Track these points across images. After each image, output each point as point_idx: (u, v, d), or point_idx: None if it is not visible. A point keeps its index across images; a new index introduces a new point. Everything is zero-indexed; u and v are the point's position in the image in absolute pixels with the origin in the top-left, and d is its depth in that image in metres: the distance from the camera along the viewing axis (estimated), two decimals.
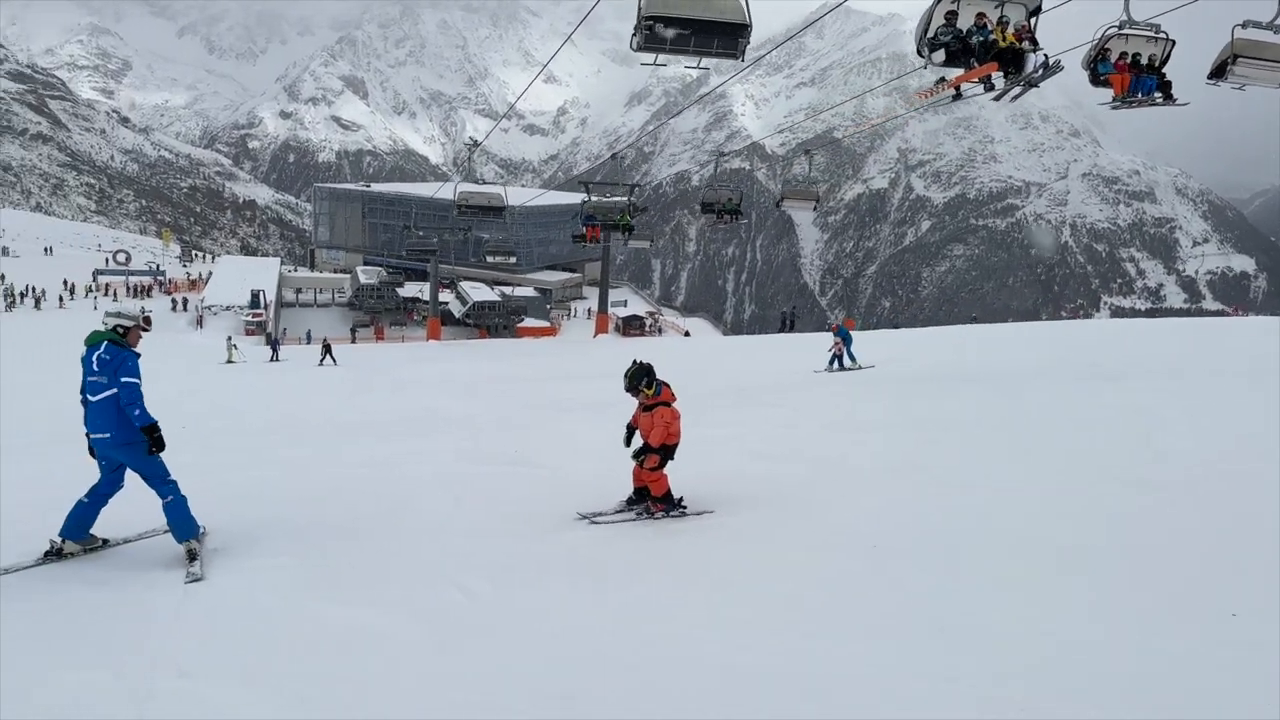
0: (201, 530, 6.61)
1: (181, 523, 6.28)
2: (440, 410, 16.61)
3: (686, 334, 66.53)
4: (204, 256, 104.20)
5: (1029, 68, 9.43)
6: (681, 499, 7.36)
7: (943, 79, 9.03)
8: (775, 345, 27.63)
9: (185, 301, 62.93)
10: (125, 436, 6.17)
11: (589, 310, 74.20)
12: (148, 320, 6.60)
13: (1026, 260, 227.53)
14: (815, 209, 33.46)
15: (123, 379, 6.11)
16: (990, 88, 9.01)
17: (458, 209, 39.90)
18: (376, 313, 66.02)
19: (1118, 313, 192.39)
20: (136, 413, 6.07)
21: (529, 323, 65.86)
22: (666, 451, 7.09)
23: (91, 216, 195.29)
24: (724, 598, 5.37)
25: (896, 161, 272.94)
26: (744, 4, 12.60)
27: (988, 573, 5.72)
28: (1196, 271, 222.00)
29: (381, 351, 47.17)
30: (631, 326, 65.28)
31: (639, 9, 12.39)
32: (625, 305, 73.72)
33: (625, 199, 38.28)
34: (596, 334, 54.97)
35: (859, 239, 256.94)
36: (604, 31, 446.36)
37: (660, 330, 67.81)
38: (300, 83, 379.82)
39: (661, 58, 13.31)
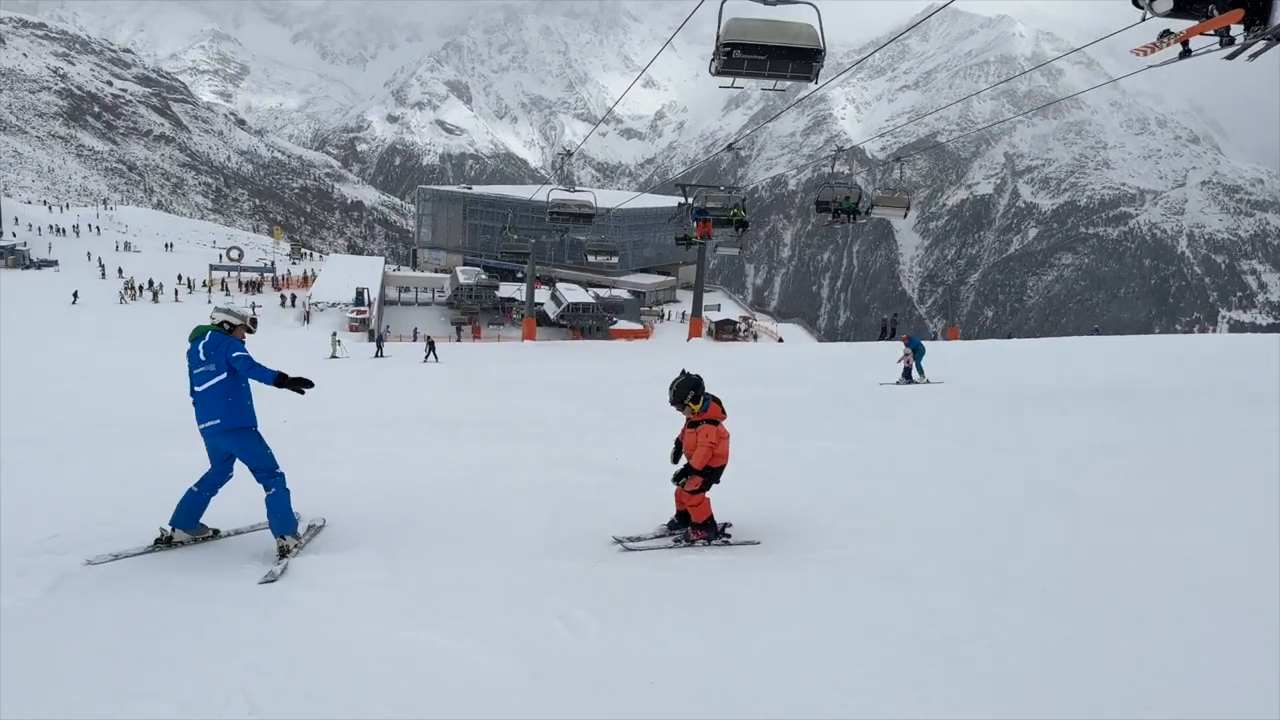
0: (321, 523, 6.98)
1: (281, 517, 6.24)
2: (538, 411, 16.28)
3: (779, 339, 65.56)
4: (312, 255, 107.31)
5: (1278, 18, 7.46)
6: (726, 526, 6.68)
7: (1167, 32, 7.63)
8: (873, 354, 26.30)
9: (294, 298, 64.76)
10: (233, 423, 6.18)
11: (682, 314, 73.96)
12: (254, 322, 6.66)
13: (1139, 271, 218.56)
14: (905, 215, 31.91)
15: (233, 354, 6.14)
16: (1228, 42, 7.38)
17: (550, 215, 40.44)
18: (474, 312, 67.02)
19: (1236, 327, 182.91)
20: (259, 372, 6.10)
21: (622, 325, 65.93)
22: (710, 474, 6.39)
23: (208, 214, 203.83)
24: (887, 650, 4.58)
25: (1003, 167, 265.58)
26: (818, 30, 13.10)
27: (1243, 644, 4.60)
28: None
29: (480, 350, 47.83)
30: (725, 331, 64.60)
31: (717, 36, 12.95)
32: (719, 309, 73.12)
33: (739, 193, 37.45)
34: (690, 338, 54.58)
35: (961, 246, 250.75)
36: (703, 36, 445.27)
37: (755, 335, 66.96)
38: (407, 87, 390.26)
39: (738, 81, 13.85)
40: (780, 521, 7.08)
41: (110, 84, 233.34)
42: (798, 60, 13.50)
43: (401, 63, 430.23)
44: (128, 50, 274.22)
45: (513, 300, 67.42)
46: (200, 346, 6.27)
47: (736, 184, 36.26)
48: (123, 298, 58.07)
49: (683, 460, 6.54)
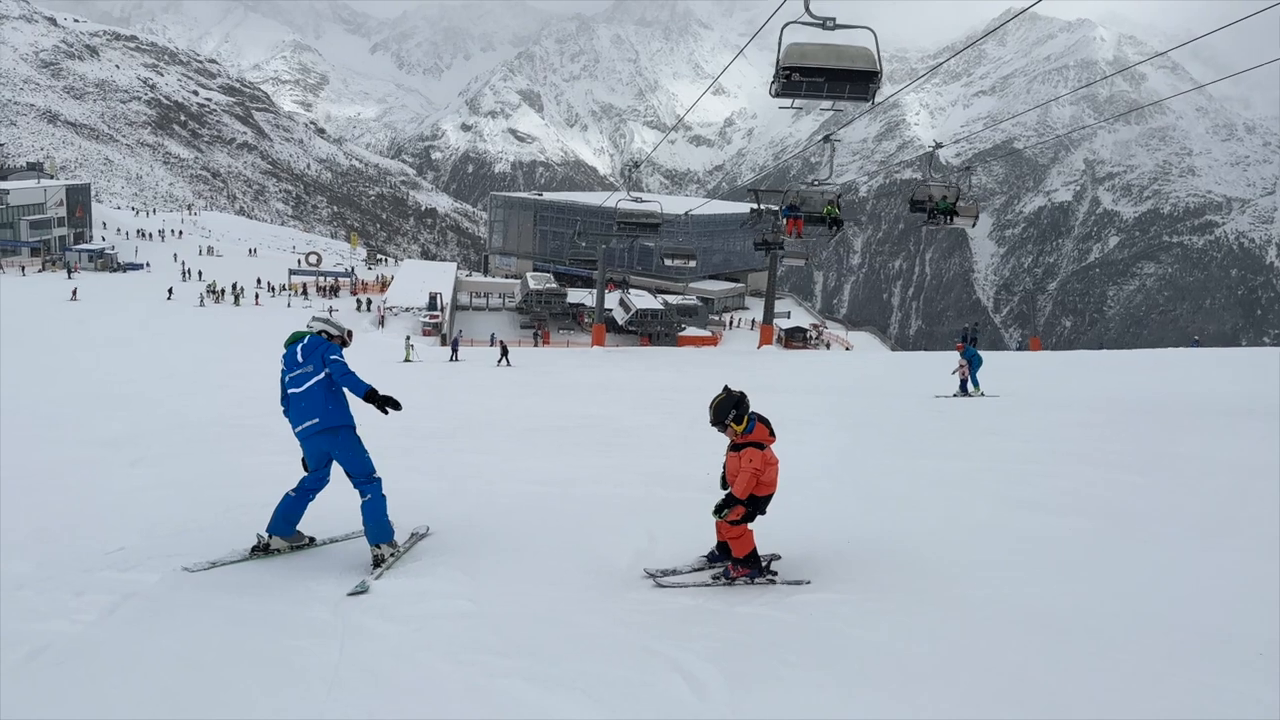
0: (425, 530, 6.88)
1: (377, 525, 6.10)
2: (617, 420, 15.58)
3: (849, 348, 64.26)
4: (386, 260, 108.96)
5: None
6: (773, 559, 5.97)
7: None
8: (953, 363, 25.37)
9: (369, 302, 65.54)
10: (331, 421, 6.05)
11: (752, 321, 73.18)
12: (350, 335, 6.57)
13: (1226, 281, 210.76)
14: (973, 224, 31.17)
15: (330, 358, 6.08)
16: None
17: (617, 225, 41.10)
18: (544, 318, 67.11)
19: None
20: (352, 381, 5.97)
21: (690, 332, 65.18)
22: (755, 504, 5.66)
23: (288, 220, 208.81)
24: None
25: (1082, 174, 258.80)
26: (874, 53, 13.67)
27: None
28: None
29: (551, 355, 47.52)
30: (794, 339, 63.47)
31: (777, 61, 13.56)
32: (789, 317, 72.07)
33: (834, 188, 35.46)
34: (761, 345, 53.47)
35: (1038, 254, 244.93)
36: (773, 42, 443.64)
37: (828, 344, 65.73)
38: (480, 97, 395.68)
39: (798, 101, 14.41)
40: (877, 553, 6.35)
41: (196, 94, 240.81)
42: (855, 81, 14.36)
43: (475, 72, 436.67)
44: (213, 61, 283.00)
45: (582, 305, 67.34)
46: (298, 349, 6.21)
47: (830, 179, 33.91)
48: (204, 300, 59.25)
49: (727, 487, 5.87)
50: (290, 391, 6.18)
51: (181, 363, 29.11)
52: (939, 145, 30.90)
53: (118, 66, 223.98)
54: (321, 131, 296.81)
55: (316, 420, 6.02)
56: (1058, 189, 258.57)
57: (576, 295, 69.95)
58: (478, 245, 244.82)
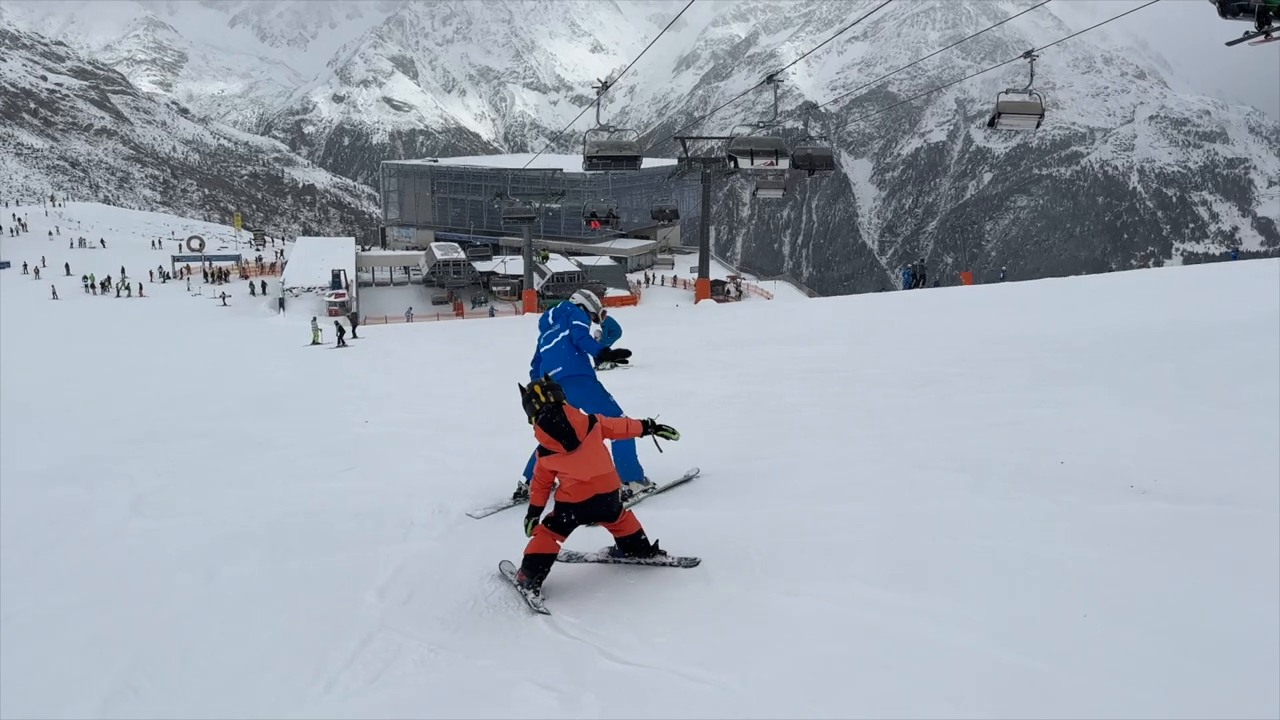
0: (695, 472, 7.13)
1: (625, 464, 6.65)
2: (665, 388, 12.67)
3: (769, 297, 65.24)
4: (272, 240, 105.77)
5: None
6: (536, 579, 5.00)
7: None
8: (917, 303, 23.45)
9: (264, 285, 64.12)
10: (572, 370, 6.69)
11: (674, 278, 73.31)
12: (604, 314, 7.37)
13: (1094, 208, 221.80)
14: (1038, 126, 30.38)
15: (574, 321, 6.87)
16: None
17: (588, 161, 37.64)
18: (456, 289, 66.19)
19: (1191, 259, 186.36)
20: (589, 343, 6.80)
21: (611, 293, 64.58)
22: (560, 510, 5.06)
23: (158, 207, 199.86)
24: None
25: (954, 113, 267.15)
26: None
27: None
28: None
29: (483, 326, 44.24)
30: (716, 292, 63.59)
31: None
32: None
33: (778, 131, 34.60)
34: (699, 300, 51.05)
35: (918, 195, 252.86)
36: None
37: (741, 294, 66.41)
38: (351, 66, 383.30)
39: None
40: None
41: (45, 79, 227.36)
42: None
43: (343, 41, 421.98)
44: (60, 43, 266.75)
45: (494, 274, 66.46)
46: (550, 313, 7.12)
47: (776, 120, 33.00)
48: (93, 291, 57.14)
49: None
50: (541, 350, 6.94)
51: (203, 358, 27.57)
52: (774, 76, 31.06)
53: None
54: (185, 111, 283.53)
55: (560, 369, 6.66)
56: (932, 130, 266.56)
57: (489, 264, 69.00)
58: (363, 220, 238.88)
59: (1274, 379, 8.06)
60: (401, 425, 12.76)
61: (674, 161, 53.07)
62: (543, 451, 5.01)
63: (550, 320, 7.06)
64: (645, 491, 6.73)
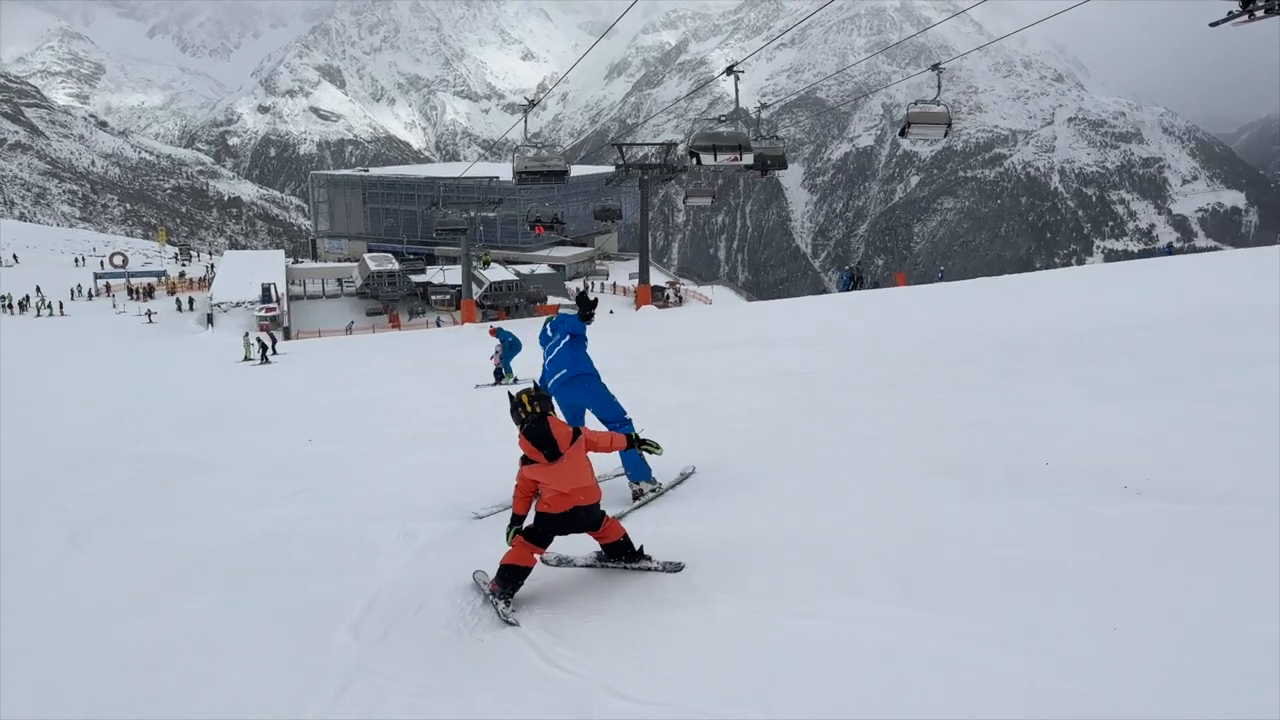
0: (691, 470, 7.29)
1: (634, 464, 6.81)
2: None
3: (709, 302, 65.52)
4: (198, 255, 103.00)
5: None
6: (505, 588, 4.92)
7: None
8: (854, 307, 23.87)
9: (191, 301, 62.25)
10: (577, 369, 6.88)
11: (614, 284, 73.50)
12: (595, 305, 7.33)
13: (1018, 209, 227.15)
14: (947, 134, 29.96)
15: (570, 326, 7.08)
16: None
17: (518, 177, 37.01)
18: (392, 300, 64.92)
19: (1111, 256, 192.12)
20: (575, 325, 7.04)
21: (551, 301, 63.75)
22: (540, 522, 4.99)
23: (77, 223, 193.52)
24: None
25: (881, 118, 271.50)
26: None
27: None
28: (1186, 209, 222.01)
29: (424, 337, 43.18)
30: (656, 297, 63.62)
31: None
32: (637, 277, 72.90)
33: (736, 127, 33.69)
34: (640, 305, 50.93)
35: (848, 198, 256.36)
36: (579, 5, 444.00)
37: (682, 299, 66.51)
38: (276, 76, 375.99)
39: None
40: None
41: None
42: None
43: (268, 50, 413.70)
44: None
45: (430, 284, 65.32)
46: (548, 325, 7.33)
47: (733, 114, 32.17)
48: (4, 309, 54.91)
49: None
50: (546, 361, 7.12)
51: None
52: (735, 67, 30.64)
53: None
54: (104, 124, 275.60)
55: (565, 370, 6.83)
56: (860, 134, 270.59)
57: (425, 274, 67.92)
58: (291, 232, 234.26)
59: (1237, 373, 8.12)
60: (348, 442, 12.36)
61: (609, 168, 52.96)
62: (525, 461, 4.99)
63: (550, 332, 7.25)
64: (654, 491, 6.83)
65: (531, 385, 5.28)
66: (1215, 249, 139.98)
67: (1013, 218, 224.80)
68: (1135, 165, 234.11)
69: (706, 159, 31.86)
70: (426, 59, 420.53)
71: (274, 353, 34.63)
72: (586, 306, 7.12)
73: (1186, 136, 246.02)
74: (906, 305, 23.78)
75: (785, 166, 34.51)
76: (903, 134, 31.00)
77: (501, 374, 18.40)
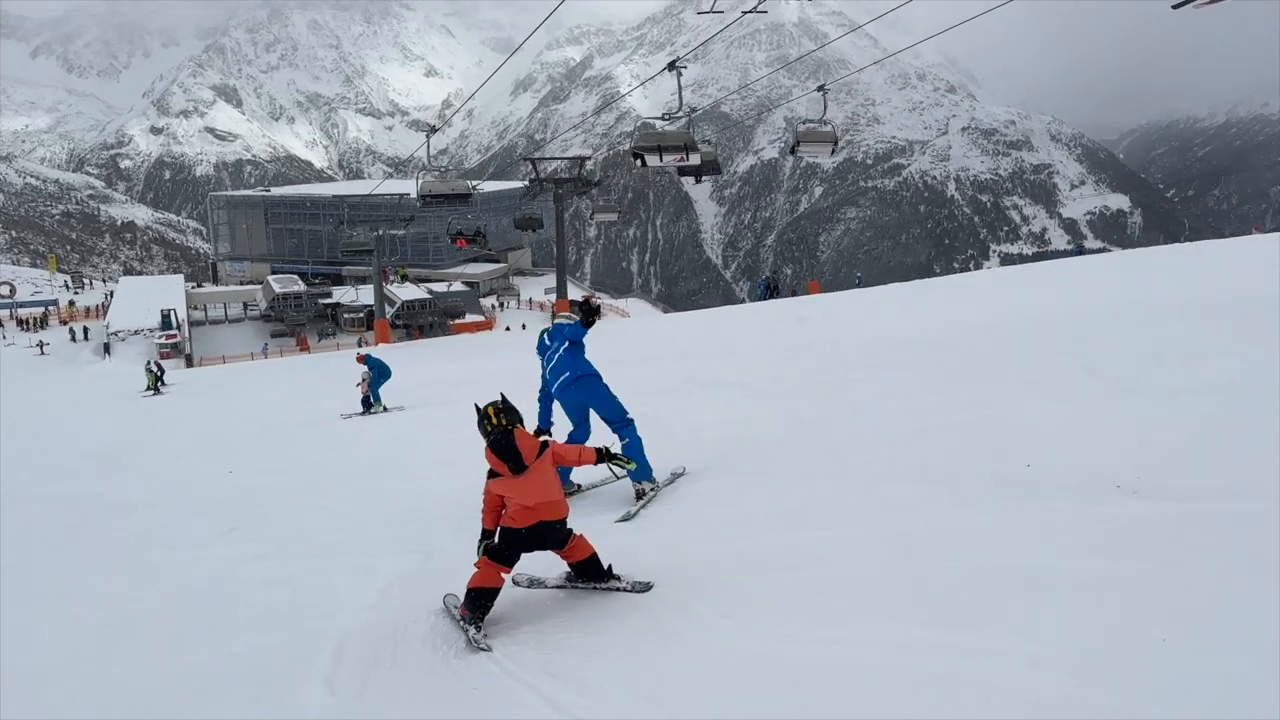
0: (681, 470, 7.42)
1: (639, 465, 6.74)
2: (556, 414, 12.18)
3: (626, 315, 65.50)
4: (91, 282, 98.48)
5: None
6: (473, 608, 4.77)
7: None
8: (788, 317, 22.40)
9: (85, 331, 59.40)
10: (579, 371, 7.09)
11: (529, 300, 73.43)
12: (586, 307, 7.37)
13: (917, 217, 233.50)
14: (833, 153, 30.13)
15: (565, 326, 7.28)
16: None
17: (422, 200, 36.62)
18: (299, 323, 63.01)
19: (1007, 259, 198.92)
20: (574, 332, 7.20)
21: (466, 319, 62.57)
22: (504, 538, 4.89)
23: None
24: None
25: (784, 131, 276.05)
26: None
27: None
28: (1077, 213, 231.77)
29: (345, 361, 40.73)
30: (575, 312, 63.24)
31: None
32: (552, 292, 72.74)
33: (683, 121, 32.81)
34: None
35: (755, 210, 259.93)
36: (482, 21, 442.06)
37: (600, 313, 66.09)
38: (169, 96, 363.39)
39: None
40: None
41: None
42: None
43: (159, 70, 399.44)
44: None
45: (339, 305, 63.74)
46: (545, 335, 7.55)
47: (680, 111, 30.23)
48: None
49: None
50: (546, 369, 7.31)
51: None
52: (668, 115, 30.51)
53: None
54: None
55: (567, 373, 7.05)
56: (764, 147, 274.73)
57: (334, 294, 66.29)
58: (189, 256, 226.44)
59: (1184, 367, 8.21)
60: (272, 474, 11.84)
61: (521, 183, 52.64)
62: (490, 474, 4.92)
63: (548, 341, 7.45)
64: (654, 491, 6.90)
65: (499, 397, 5.05)
66: (1104, 250, 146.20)
67: (913, 225, 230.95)
68: (1026, 172, 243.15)
69: (652, 160, 30.92)
70: (326, 77, 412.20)
71: (162, 384, 32.72)
72: (589, 314, 7.22)
73: (1073, 143, 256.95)
74: (828, 312, 24.02)
75: (719, 171, 34.14)
76: (792, 152, 31.41)
77: (370, 402, 17.70)
